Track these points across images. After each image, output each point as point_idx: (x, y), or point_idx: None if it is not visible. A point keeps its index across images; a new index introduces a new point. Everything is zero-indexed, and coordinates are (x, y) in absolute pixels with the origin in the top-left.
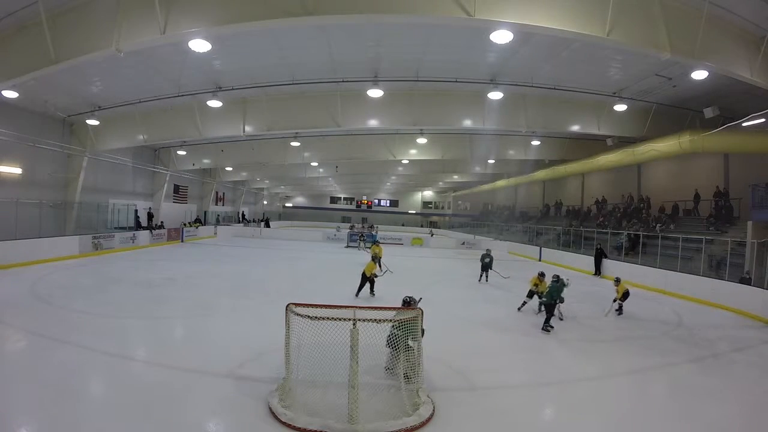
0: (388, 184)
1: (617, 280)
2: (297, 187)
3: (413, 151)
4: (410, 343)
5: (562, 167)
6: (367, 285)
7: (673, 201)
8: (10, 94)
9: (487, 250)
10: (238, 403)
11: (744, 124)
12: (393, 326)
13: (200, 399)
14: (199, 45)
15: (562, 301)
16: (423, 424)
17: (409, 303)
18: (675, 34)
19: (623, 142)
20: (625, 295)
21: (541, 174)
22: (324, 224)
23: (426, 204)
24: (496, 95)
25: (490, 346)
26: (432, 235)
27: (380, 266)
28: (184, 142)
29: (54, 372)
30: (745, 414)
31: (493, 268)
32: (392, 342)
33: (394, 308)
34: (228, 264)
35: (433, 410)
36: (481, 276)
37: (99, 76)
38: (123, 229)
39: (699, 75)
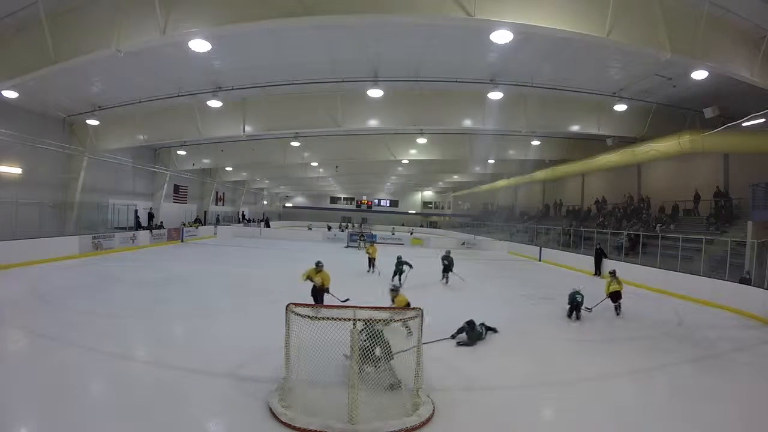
0: (388, 184)
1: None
2: (297, 187)
3: (413, 151)
4: (377, 352)
5: (562, 167)
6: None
7: (673, 201)
8: (10, 94)
9: (447, 251)
10: (238, 403)
11: (744, 124)
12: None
13: (200, 399)
14: (199, 45)
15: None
16: (423, 424)
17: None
18: (675, 34)
19: (623, 142)
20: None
21: (541, 174)
22: (324, 224)
23: (426, 204)
24: (496, 95)
25: (489, 346)
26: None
27: (373, 268)
28: (184, 142)
29: (54, 372)
30: (745, 414)
31: (453, 270)
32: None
33: (394, 308)
34: (228, 264)
35: (433, 410)
36: (443, 277)
37: (99, 76)
38: (123, 229)
39: (699, 75)
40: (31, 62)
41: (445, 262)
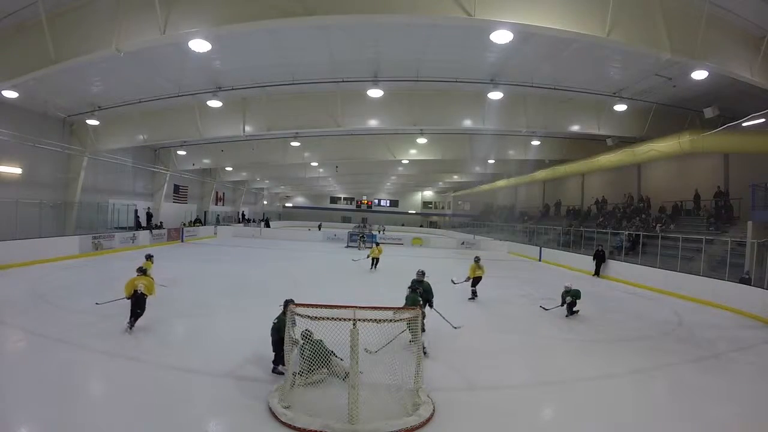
0: (388, 184)
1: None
2: (297, 187)
3: (413, 151)
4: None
5: (562, 167)
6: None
7: (673, 201)
8: (10, 94)
9: (420, 272)
10: (238, 403)
11: (744, 124)
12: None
13: (200, 399)
14: (199, 45)
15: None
16: (423, 424)
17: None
18: (675, 34)
19: (623, 142)
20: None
21: (541, 174)
22: (325, 224)
23: (426, 204)
24: (496, 95)
25: (490, 346)
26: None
27: (375, 266)
28: (184, 142)
29: (54, 372)
30: (745, 414)
31: (434, 305)
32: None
33: (394, 308)
34: (228, 264)
35: (433, 410)
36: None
37: (99, 76)
38: (123, 229)
39: (699, 75)
40: (31, 62)
41: (417, 291)
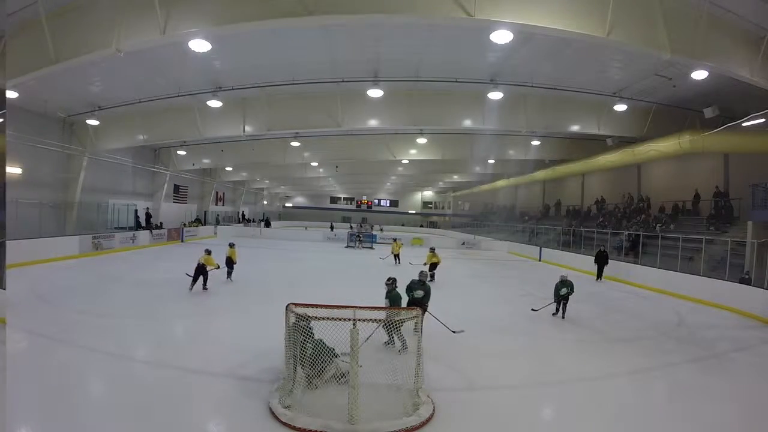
0: (388, 184)
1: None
2: (297, 187)
3: (413, 151)
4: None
5: (562, 167)
6: (201, 278)
7: (673, 201)
8: (11, 94)
9: (422, 274)
10: (238, 403)
11: (744, 124)
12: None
13: (200, 399)
14: (199, 45)
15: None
16: (423, 424)
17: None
18: (675, 34)
19: (623, 142)
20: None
21: (541, 174)
22: (325, 224)
23: (426, 204)
24: (496, 95)
25: (489, 346)
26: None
27: (398, 261)
28: (184, 142)
29: (54, 372)
30: (745, 414)
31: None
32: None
33: (394, 308)
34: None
35: (433, 410)
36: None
37: (99, 76)
38: (123, 229)
39: (699, 75)
40: (31, 62)
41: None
